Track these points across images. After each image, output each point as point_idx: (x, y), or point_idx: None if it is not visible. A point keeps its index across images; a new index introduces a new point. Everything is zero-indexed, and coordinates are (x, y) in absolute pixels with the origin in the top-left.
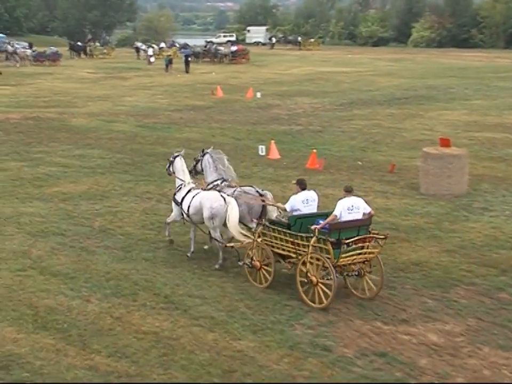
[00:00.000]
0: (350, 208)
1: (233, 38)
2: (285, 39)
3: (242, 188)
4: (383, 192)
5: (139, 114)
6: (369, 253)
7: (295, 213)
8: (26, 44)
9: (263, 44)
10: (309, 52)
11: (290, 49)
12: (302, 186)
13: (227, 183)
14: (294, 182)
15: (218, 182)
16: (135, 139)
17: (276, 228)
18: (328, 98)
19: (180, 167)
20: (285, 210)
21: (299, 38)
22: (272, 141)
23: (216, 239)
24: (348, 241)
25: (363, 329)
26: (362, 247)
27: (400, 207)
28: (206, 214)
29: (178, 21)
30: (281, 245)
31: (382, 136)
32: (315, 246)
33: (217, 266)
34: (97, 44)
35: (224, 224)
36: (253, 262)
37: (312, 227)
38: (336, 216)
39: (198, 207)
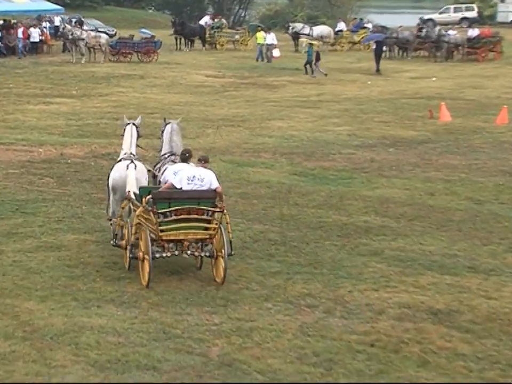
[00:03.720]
0: (191, 179)
1: (473, 14)
2: None
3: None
4: None
5: (296, 152)
6: (206, 228)
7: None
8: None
9: None
10: None
11: None
12: (182, 157)
13: (173, 158)
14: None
15: (166, 155)
16: (289, 197)
17: (134, 201)
18: None
19: (126, 134)
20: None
21: None
22: None
23: (111, 215)
24: (162, 211)
25: None
26: (191, 220)
27: None
28: (109, 184)
29: None
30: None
31: None
32: (142, 217)
33: (112, 242)
34: (223, 22)
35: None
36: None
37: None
38: (172, 184)
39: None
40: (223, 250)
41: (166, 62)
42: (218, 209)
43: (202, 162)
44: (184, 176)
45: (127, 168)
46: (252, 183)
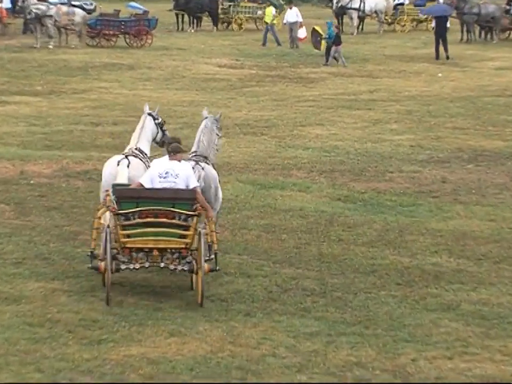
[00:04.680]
0: (163, 175)
1: None
2: None
3: None
4: None
5: (341, 169)
6: (182, 236)
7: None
8: None
9: None
10: None
11: None
12: (168, 148)
13: (196, 159)
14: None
15: (190, 155)
16: (330, 230)
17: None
18: None
19: (137, 127)
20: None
21: None
22: None
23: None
24: (123, 212)
25: None
26: (161, 225)
27: None
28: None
29: None
30: None
31: None
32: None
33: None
34: None
35: None
36: None
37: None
38: (141, 183)
39: None
40: (201, 263)
41: (164, 47)
42: (191, 213)
43: (172, 154)
44: (155, 173)
45: (118, 165)
46: (280, 212)
